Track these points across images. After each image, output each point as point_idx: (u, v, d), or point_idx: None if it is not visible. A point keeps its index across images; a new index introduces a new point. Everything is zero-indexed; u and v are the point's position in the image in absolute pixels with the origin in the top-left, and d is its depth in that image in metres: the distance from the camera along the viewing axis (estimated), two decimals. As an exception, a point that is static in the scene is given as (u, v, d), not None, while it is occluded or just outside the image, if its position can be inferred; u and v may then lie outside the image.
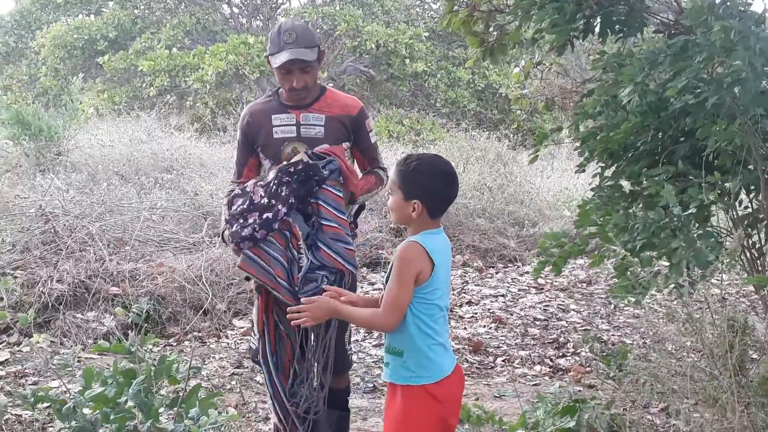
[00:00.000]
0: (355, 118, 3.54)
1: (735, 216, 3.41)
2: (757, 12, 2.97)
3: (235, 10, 21.09)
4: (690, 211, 2.98)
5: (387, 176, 3.63)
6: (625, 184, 3.53)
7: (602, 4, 3.60)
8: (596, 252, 3.24)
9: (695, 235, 2.83)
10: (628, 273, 3.11)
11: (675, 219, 2.86)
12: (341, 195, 3.36)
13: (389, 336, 2.82)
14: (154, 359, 3.22)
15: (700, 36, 2.89)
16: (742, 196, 3.37)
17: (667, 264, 3.23)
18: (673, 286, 2.91)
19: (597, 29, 3.70)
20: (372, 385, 5.08)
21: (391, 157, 10.97)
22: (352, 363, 3.82)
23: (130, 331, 5.48)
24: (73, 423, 3.02)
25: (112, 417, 3.00)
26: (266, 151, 3.53)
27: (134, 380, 3.02)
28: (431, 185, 2.75)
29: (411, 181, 2.75)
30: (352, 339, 5.93)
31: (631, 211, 3.24)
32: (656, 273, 2.95)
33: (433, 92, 18.22)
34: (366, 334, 6.04)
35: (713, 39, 2.81)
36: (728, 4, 2.93)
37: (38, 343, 5.14)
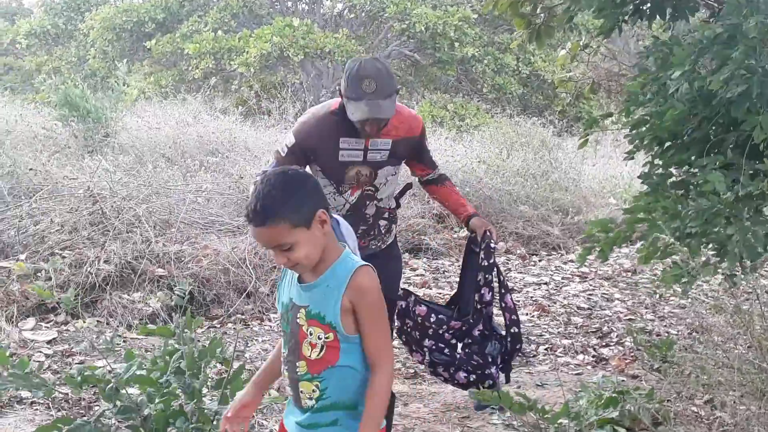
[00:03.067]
0: (419, 139, 3.56)
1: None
2: None
3: (281, -7, 21.14)
4: (740, 199, 2.91)
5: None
6: (675, 172, 3.46)
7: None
8: (644, 243, 3.17)
9: (748, 224, 2.75)
10: (672, 260, 3.05)
11: (727, 206, 2.79)
12: None
13: (335, 391, 2.24)
14: (200, 341, 3.24)
15: (746, 25, 2.82)
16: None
17: (713, 253, 3.17)
18: (723, 276, 2.85)
19: (648, 13, 3.63)
20: (413, 371, 5.08)
21: (434, 141, 10.93)
22: None
23: (174, 313, 5.55)
24: (118, 403, 3.06)
25: (157, 398, 3.04)
26: (328, 173, 3.42)
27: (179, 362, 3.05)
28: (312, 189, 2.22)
29: (297, 207, 2.13)
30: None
31: (681, 197, 3.18)
32: (705, 262, 2.89)
33: (479, 78, 18.04)
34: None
35: (751, 34, 2.74)
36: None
37: (84, 324, 5.22)
